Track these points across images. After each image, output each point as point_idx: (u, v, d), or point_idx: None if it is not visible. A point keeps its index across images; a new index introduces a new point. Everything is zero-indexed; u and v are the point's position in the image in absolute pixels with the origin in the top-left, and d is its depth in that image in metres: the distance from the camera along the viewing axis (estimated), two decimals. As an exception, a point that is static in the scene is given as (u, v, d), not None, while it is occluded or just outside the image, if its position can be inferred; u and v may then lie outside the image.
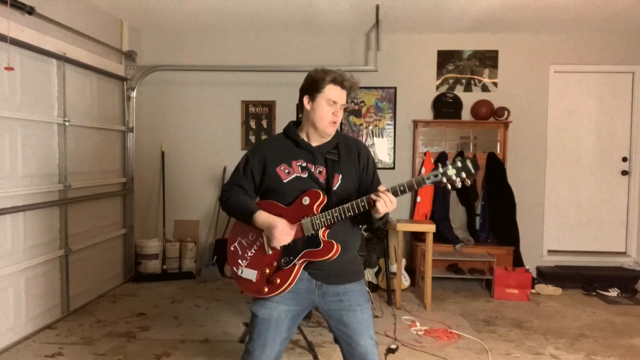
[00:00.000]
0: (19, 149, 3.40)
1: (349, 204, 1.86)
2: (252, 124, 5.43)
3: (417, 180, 1.80)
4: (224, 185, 2.10)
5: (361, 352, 1.95)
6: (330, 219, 1.87)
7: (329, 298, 1.97)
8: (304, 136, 2.04)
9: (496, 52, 5.28)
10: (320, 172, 1.99)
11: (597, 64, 5.22)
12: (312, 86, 1.99)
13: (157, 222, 5.41)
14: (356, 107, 5.37)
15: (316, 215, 1.89)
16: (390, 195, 1.80)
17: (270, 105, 5.40)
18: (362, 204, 1.84)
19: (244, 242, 2.06)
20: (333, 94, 1.95)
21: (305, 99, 2.01)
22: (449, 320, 3.97)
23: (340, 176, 1.99)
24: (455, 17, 4.69)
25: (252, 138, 5.43)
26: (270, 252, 1.97)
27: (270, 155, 2.01)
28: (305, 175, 1.98)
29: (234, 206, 2.02)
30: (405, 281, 4.83)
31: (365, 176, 2.05)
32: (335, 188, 1.96)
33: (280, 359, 2.01)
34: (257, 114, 5.42)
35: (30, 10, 3.40)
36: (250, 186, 2.04)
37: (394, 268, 4.58)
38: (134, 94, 5.06)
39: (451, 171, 1.75)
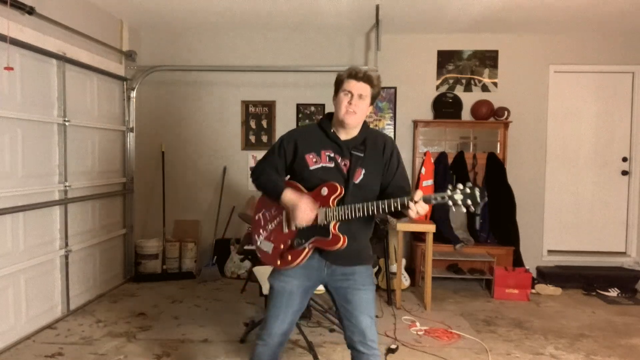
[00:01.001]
0: (19, 149, 3.40)
1: (361, 204, 1.96)
2: (252, 124, 5.43)
3: (425, 198, 1.88)
4: (258, 162, 2.26)
5: (361, 328, 2.11)
6: (342, 215, 2.00)
7: (336, 277, 2.13)
8: (334, 129, 2.17)
9: (496, 52, 5.28)
10: (345, 164, 2.11)
11: (597, 64, 5.22)
12: (335, 85, 2.16)
13: (157, 222, 5.41)
14: (356, 107, 5.36)
15: (331, 207, 2.02)
16: (422, 203, 1.88)
17: (270, 105, 5.40)
18: (383, 206, 1.94)
19: (267, 215, 2.25)
20: (348, 85, 2.10)
21: (333, 98, 2.18)
22: (449, 320, 3.97)
23: (363, 170, 2.10)
24: (455, 17, 4.69)
25: (252, 138, 5.43)
26: (287, 230, 2.14)
27: (302, 141, 2.16)
28: (332, 165, 2.11)
29: (266, 183, 2.18)
30: (405, 281, 4.83)
31: (387, 171, 2.15)
32: (357, 181, 2.08)
33: (292, 330, 2.22)
34: (257, 114, 5.42)
35: (30, 10, 3.40)
36: (282, 166, 2.19)
37: (394, 268, 4.58)
38: (134, 94, 5.06)
39: (458, 196, 1.83)
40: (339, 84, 2.15)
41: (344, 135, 2.16)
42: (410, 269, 5.02)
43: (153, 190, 5.45)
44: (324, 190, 2.06)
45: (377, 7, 4.43)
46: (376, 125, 5.36)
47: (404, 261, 4.79)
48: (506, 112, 5.15)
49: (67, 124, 3.88)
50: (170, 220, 5.47)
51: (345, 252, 2.05)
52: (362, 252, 2.18)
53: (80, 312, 4.05)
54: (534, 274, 5.14)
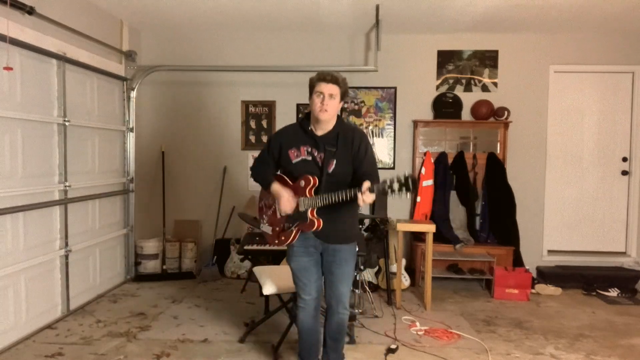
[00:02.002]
0: (19, 149, 3.40)
1: (334, 194, 2.40)
2: (252, 124, 5.43)
3: (370, 189, 2.28)
4: (254, 160, 2.80)
5: (337, 294, 2.68)
6: (314, 203, 2.49)
7: (327, 252, 2.67)
8: (312, 127, 2.61)
9: (496, 52, 5.28)
10: (320, 157, 2.58)
11: (597, 64, 5.22)
12: (309, 88, 2.59)
13: (157, 222, 5.41)
14: (356, 107, 5.37)
15: (307, 197, 2.52)
16: (367, 193, 2.28)
17: (270, 105, 5.40)
18: (343, 195, 2.37)
19: (266, 203, 2.81)
20: (319, 87, 2.53)
21: (309, 99, 2.59)
22: (449, 320, 3.97)
23: (335, 161, 2.55)
24: (455, 17, 4.69)
25: (252, 138, 5.43)
26: (279, 216, 2.68)
27: (285, 140, 2.66)
28: (309, 158, 2.59)
29: (259, 176, 2.75)
30: (405, 281, 4.83)
31: (355, 159, 2.58)
32: (330, 171, 2.55)
33: (320, 293, 2.74)
34: (257, 114, 5.42)
35: (30, 10, 3.40)
36: (273, 162, 2.72)
37: (394, 268, 4.58)
38: (134, 94, 5.05)
39: (395, 185, 2.20)
40: (311, 87, 2.56)
41: (320, 132, 2.60)
42: (410, 269, 5.02)
43: (153, 190, 5.45)
44: (302, 182, 2.54)
45: (377, 7, 4.43)
46: (376, 126, 5.36)
47: (404, 261, 4.79)
48: (506, 112, 5.15)
49: (67, 124, 3.88)
50: (170, 220, 5.47)
51: (332, 232, 2.59)
52: (347, 232, 2.68)
53: (80, 312, 4.05)
54: (534, 274, 5.14)
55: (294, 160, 2.61)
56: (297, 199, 2.56)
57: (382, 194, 2.26)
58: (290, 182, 2.62)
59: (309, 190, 2.51)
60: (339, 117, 2.64)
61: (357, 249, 2.85)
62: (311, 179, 2.51)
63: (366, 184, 2.28)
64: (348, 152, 2.57)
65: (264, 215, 2.81)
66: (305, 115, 2.68)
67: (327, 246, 2.65)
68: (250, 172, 2.76)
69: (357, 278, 4.09)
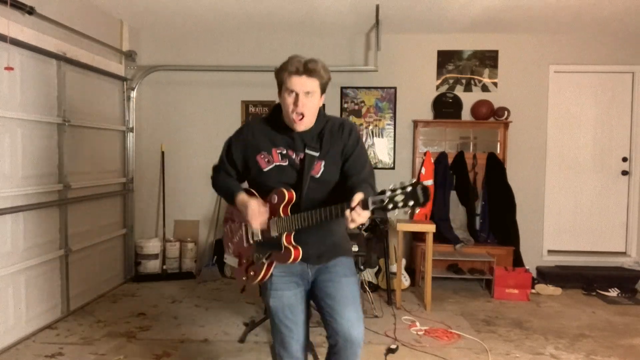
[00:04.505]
0: (19, 149, 3.40)
1: (316, 212, 1.77)
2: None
3: (363, 203, 1.65)
4: (214, 166, 2.16)
5: (345, 325, 1.88)
6: (290, 225, 1.85)
7: (320, 274, 2.00)
8: (286, 121, 1.95)
9: (496, 52, 5.28)
10: (301, 159, 1.92)
11: (597, 64, 5.22)
12: (278, 82, 1.94)
13: (157, 222, 5.41)
14: (356, 107, 5.37)
15: (281, 217, 1.86)
16: (359, 210, 1.65)
17: (270, 105, 5.40)
18: (326, 214, 1.75)
19: (233, 228, 2.16)
20: (290, 83, 1.87)
21: (278, 95, 1.96)
22: (449, 320, 3.97)
23: (323, 163, 1.92)
24: (455, 17, 4.69)
25: (252, 138, 5.42)
26: (246, 244, 2.06)
27: (251, 142, 1.99)
28: (285, 163, 1.93)
29: (220, 188, 2.12)
30: (405, 281, 4.83)
31: (344, 153, 1.96)
32: (317, 176, 1.91)
33: (308, 337, 2.12)
34: (257, 114, 5.42)
35: (30, 10, 3.40)
36: (233, 173, 2.08)
37: (394, 268, 4.58)
38: (134, 94, 5.06)
39: (399, 197, 1.61)
40: (280, 81, 1.91)
41: (297, 128, 1.93)
42: (410, 269, 5.02)
43: (153, 190, 5.45)
44: (274, 198, 1.89)
45: (377, 7, 4.43)
46: (376, 126, 5.36)
47: (404, 261, 4.79)
48: (506, 112, 5.15)
49: (67, 124, 3.88)
50: (170, 220, 5.47)
51: (321, 249, 1.94)
52: (339, 246, 2.03)
53: (80, 312, 4.05)
54: (534, 274, 5.14)
55: (266, 168, 1.94)
56: (268, 211, 1.92)
57: (380, 210, 1.65)
58: (259, 198, 1.98)
59: (283, 209, 1.87)
60: (321, 111, 1.99)
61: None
62: (286, 193, 1.86)
63: (357, 197, 1.66)
64: (337, 149, 1.95)
65: (229, 244, 2.16)
66: (275, 108, 2.03)
67: (318, 268, 1.98)
68: (212, 184, 2.19)
69: (357, 278, 4.09)
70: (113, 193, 4.76)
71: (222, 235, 2.21)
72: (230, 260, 2.14)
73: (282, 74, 1.89)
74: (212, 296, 4.54)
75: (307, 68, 1.84)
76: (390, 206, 1.61)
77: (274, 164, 1.94)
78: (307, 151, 1.91)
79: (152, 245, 5.15)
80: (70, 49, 3.96)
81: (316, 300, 2.01)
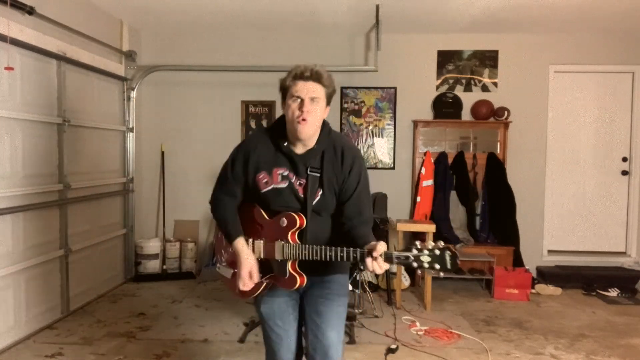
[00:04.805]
0: (19, 149, 3.40)
1: (329, 249, 1.72)
2: (252, 124, 5.43)
3: (387, 256, 1.63)
4: (213, 191, 2.01)
5: (325, 345, 1.89)
6: (299, 254, 1.78)
7: (311, 288, 1.94)
8: (289, 141, 1.86)
9: (496, 52, 5.28)
10: (300, 184, 1.85)
11: (597, 64, 5.22)
12: (282, 91, 1.86)
13: (157, 222, 5.41)
14: (356, 107, 5.37)
15: (290, 243, 1.80)
16: (381, 262, 1.63)
17: (270, 105, 5.40)
18: (342, 255, 1.70)
19: None
20: (295, 89, 1.79)
21: (282, 105, 1.88)
22: (449, 320, 3.97)
23: (321, 191, 1.85)
24: (455, 17, 4.69)
25: (252, 138, 5.42)
26: None
27: (253, 159, 1.88)
28: (284, 185, 1.85)
29: (220, 221, 1.98)
30: (405, 281, 4.83)
31: (343, 189, 1.86)
32: (313, 203, 1.84)
33: (301, 344, 2.02)
34: (257, 114, 5.42)
35: (30, 10, 3.40)
36: (239, 189, 1.94)
37: (394, 268, 4.58)
38: (134, 94, 5.06)
39: (425, 257, 1.60)
40: (284, 89, 1.84)
41: (300, 148, 1.85)
42: (410, 269, 5.01)
43: (153, 190, 5.45)
44: (283, 222, 1.82)
45: (377, 7, 4.43)
46: (376, 126, 5.36)
47: (404, 261, 4.78)
48: (506, 112, 5.15)
49: (67, 124, 3.88)
50: (170, 220, 5.46)
51: (319, 263, 1.80)
52: (337, 263, 1.84)
53: (80, 312, 4.05)
54: (534, 274, 5.14)
55: (263, 190, 1.86)
56: (273, 244, 1.83)
57: (402, 265, 1.65)
58: (265, 216, 1.89)
59: (292, 235, 1.81)
60: (323, 126, 1.88)
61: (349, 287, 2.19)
62: (297, 218, 1.80)
63: (380, 248, 1.62)
64: (336, 178, 1.85)
65: (224, 252, 2.06)
66: (276, 123, 1.91)
67: (312, 280, 1.89)
68: (210, 207, 2.04)
69: (357, 278, 4.10)
70: (113, 193, 4.76)
71: (215, 240, 2.11)
72: (223, 270, 2.03)
73: (286, 79, 1.83)
74: (212, 296, 4.54)
75: (313, 73, 1.79)
76: (415, 265, 1.61)
77: (272, 185, 1.86)
78: (309, 173, 1.83)
79: (152, 245, 5.15)
80: (70, 49, 3.96)
81: (303, 313, 1.98)
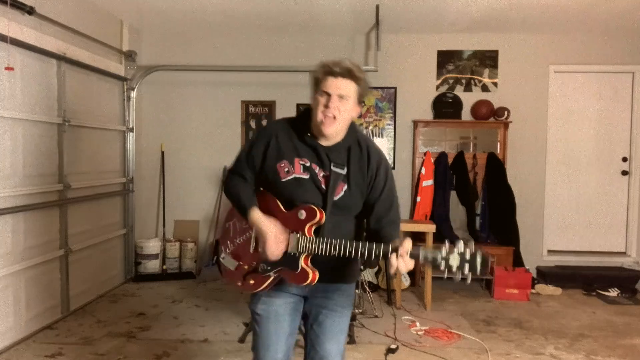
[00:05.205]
0: (19, 149, 3.40)
1: (350, 245, 1.65)
2: (252, 124, 5.43)
3: (413, 255, 1.58)
4: (229, 170, 1.95)
5: (323, 356, 1.84)
6: (315, 249, 1.69)
7: (316, 293, 1.86)
8: (313, 129, 1.79)
9: (496, 52, 5.28)
10: (324, 176, 1.77)
11: (597, 64, 5.22)
12: (313, 82, 1.77)
13: (157, 222, 5.41)
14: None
15: (306, 236, 1.71)
16: (407, 259, 1.56)
17: (270, 105, 5.40)
18: (363, 251, 1.63)
19: (237, 226, 1.94)
20: (325, 84, 1.71)
21: (311, 98, 1.80)
22: (449, 320, 3.97)
23: (345, 187, 1.76)
24: (455, 17, 4.69)
25: (252, 138, 5.42)
26: (252, 251, 1.86)
27: (274, 145, 1.80)
28: (306, 176, 1.76)
29: (233, 197, 1.88)
30: (405, 281, 4.83)
31: (371, 189, 1.80)
32: (336, 199, 1.75)
33: (290, 357, 1.90)
34: (257, 114, 5.42)
35: (30, 10, 3.40)
36: (252, 175, 1.87)
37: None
38: (134, 94, 5.06)
39: (454, 261, 1.54)
40: (316, 83, 1.75)
41: (324, 141, 1.78)
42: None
43: (153, 190, 5.45)
44: (302, 214, 1.72)
45: (377, 7, 4.43)
46: (376, 126, 5.36)
47: (404, 261, 4.78)
48: (506, 112, 5.15)
49: (67, 124, 3.87)
50: (170, 220, 5.46)
51: (329, 267, 1.77)
52: (347, 268, 1.86)
53: (80, 312, 4.05)
54: (534, 274, 5.14)
55: (284, 179, 1.77)
56: (286, 239, 1.75)
57: (429, 265, 1.59)
58: (281, 207, 1.79)
59: (308, 228, 1.72)
60: (353, 125, 1.83)
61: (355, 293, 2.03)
62: (317, 212, 1.70)
63: (407, 245, 1.56)
64: (362, 176, 1.79)
65: (229, 243, 1.94)
66: (303, 113, 1.84)
67: (316, 285, 1.79)
68: (223, 187, 1.93)
69: (357, 278, 4.09)
70: (113, 193, 4.76)
71: (221, 230, 2.01)
72: (227, 261, 1.92)
73: (318, 72, 1.74)
74: (212, 296, 4.54)
75: (344, 70, 1.70)
76: (442, 267, 1.54)
77: (293, 175, 1.77)
78: (333, 168, 1.75)
79: (152, 245, 5.15)
80: (70, 49, 3.96)
81: (305, 321, 1.93)
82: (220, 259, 1.96)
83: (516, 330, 3.81)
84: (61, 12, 3.85)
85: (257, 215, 1.77)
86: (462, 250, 1.53)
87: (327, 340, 1.85)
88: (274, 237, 1.73)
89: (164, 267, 5.21)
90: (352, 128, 1.82)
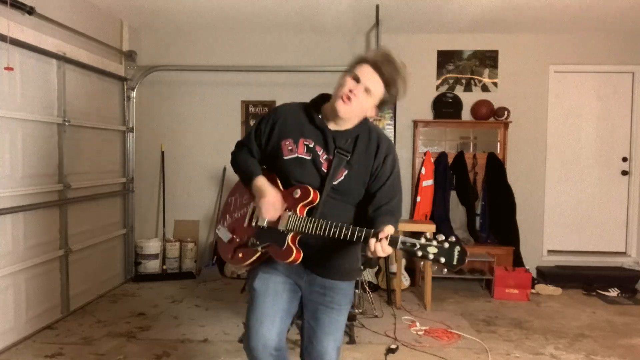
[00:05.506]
0: (19, 149, 3.40)
1: (335, 226, 1.66)
2: (252, 124, 5.42)
3: (392, 239, 1.58)
4: (238, 142, 2.02)
5: (319, 351, 1.85)
6: (303, 227, 1.71)
7: (314, 288, 1.87)
8: (324, 114, 1.83)
9: (496, 52, 5.28)
10: (327, 159, 1.79)
11: (597, 64, 5.22)
12: (353, 62, 1.80)
13: (157, 222, 5.41)
14: (356, 107, 5.37)
15: (296, 215, 1.73)
16: (385, 244, 1.57)
17: (270, 105, 5.40)
18: (346, 233, 1.64)
19: (237, 202, 2.01)
20: (360, 70, 1.75)
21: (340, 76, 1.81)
22: (449, 320, 3.97)
23: (346, 172, 1.78)
24: (455, 17, 4.69)
25: (252, 138, 5.42)
26: (246, 225, 1.89)
27: (282, 123, 1.85)
28: (308, 157, 1.79)
29: (239, 165, 1.95)
30: (405, 281, 4.83)
31: (375, 178, 1.82)
32: (335, 183, 1.77)
33: (284, 340, 1.86)
34: (257, 114, 5.42)
35: (30, 10, 3.40)
36: (258, 150, 1.93)
37: (394, 268, 4.58)
38: (134, 94, 5.06)
39: (432, 249, 1.54)
40: (353, 64, 1.77)
41: (333, 125, 1.82)
42: (410, 269, 5.02)
43: (153, 190, 5.45)
44: (296, 192, 1.77)
45: (377, 7, 4.43)
46: (376, 125, 5.35)
47: (403, 261, 4.79)
48: (506, 112, 5.15)
49: (67, 124, 3.87)
50: (170, 220, 5.47)
51: (324, 262, 1.80)
52: (347, 265, 1.87)
53: (80, 312, 4.05)
54: (534, 274, 5.14)
55: (286, 157, 1.81)
56: (281, 211, 1.78)
57: (406, 253, 1.61)
58: (280, 185, 1.84)
59: (301, 207, 1.75)
60: (365, 118, 1.86)
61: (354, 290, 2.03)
62: (311, 192, 1.74)
63: (388, 230, 1.59)
64: (367, 165, 1.81)
65: (227, 216, 2.01)
66: (319, 97, 1.88)
67: (313, 278, 1.85)
68: (230, 158, 2.03)
69: (357, 279, 4.09)
70: (113, 193, 4.76)
71: (224, 205, 2.07)
72: (222, 232, 1.98)
73: (366, 55, 1.78)
74: (212, 296, 4.54)
75: (388, 73, 1.75)
76: (420, 254, 1.54)
77: (295, 154, 1.80)
78: (337, 152, 1.78)
79: (152, 245, 5.15)
80: (70, 49, 3.96)
81: (302, 315, 1.94)
82: (216, 230, 2.04)
83: (516, 330, 3.82)
84: (61, 12, 3.85)
85: (261, 181, 1.82)
86: (441, 241, 1.54)
87: (324, 335, 1.86)
88: (273, 201, 1.77)
89: (164, 267, 5.21)
90: (366, 120, 1.85)
